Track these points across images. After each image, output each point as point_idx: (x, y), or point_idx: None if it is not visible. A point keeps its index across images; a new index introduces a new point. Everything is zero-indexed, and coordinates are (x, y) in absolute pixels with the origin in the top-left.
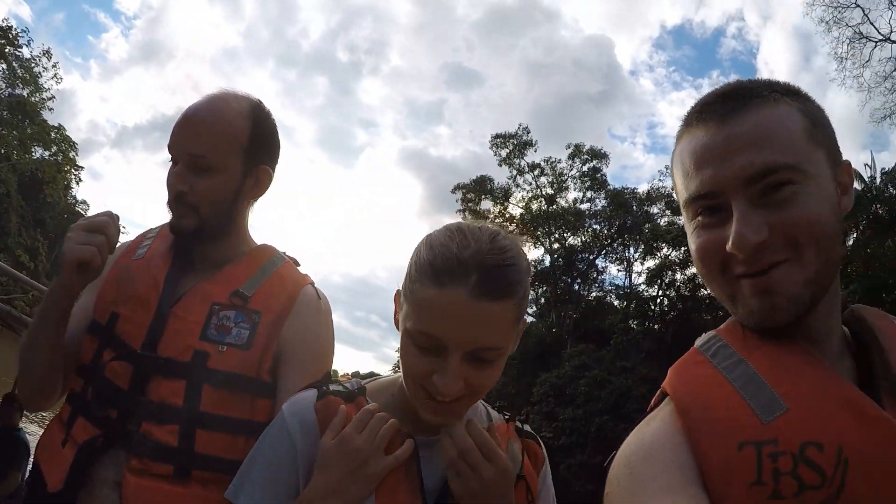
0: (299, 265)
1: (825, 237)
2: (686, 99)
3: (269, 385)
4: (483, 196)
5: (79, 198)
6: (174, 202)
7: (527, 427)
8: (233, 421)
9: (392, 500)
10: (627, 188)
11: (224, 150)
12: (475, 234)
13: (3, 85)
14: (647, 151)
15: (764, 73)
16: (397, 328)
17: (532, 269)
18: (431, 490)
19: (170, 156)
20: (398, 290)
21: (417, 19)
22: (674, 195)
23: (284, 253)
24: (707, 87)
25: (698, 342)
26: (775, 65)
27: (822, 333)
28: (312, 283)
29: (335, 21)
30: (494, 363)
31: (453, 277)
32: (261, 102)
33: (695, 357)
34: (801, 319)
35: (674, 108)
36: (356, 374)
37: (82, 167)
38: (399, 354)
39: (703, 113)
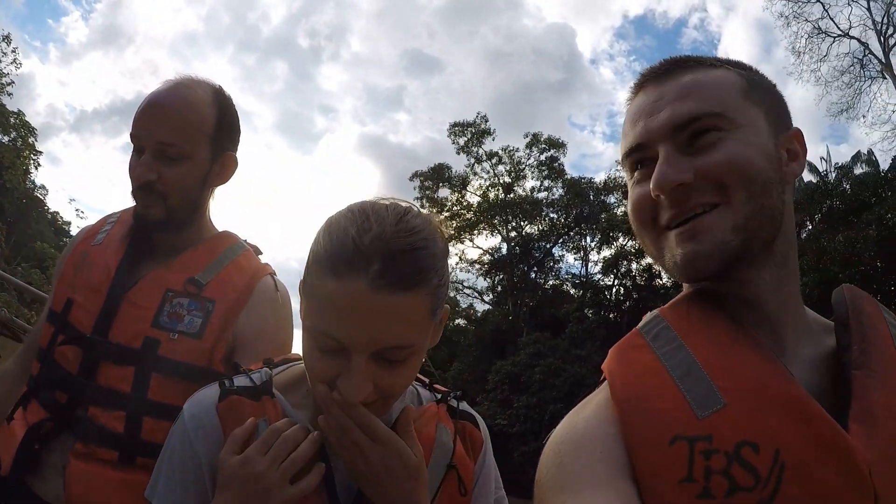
0: (261, 254)
1: (754, 182)
2: None
3: (222, 376)
4: (441, 184)
5: (37, 183)
6: (141, 191)
7: (463, 405)
8: (181, 410)
9: None
10: (584, 178)
11: (192, 138)
12: (379, 215)
13: None
14: (605, 140)
15: None
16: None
17: (489, 256)
18: (345, 490)
19: (131, 143)
20: (301, 281)
21: (379, 5)
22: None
23: (246, 241)
24: None
25: (641, 322)
26: (736, 56)
27: (773, 309)
28: (273, 274)
29: (296, 6)
30: (407, 362)
31: (352, 267)
32: (222, 88)
33: (635, 340)
34: (734, 274)
35: None
36: (267, 362)
37: (41, 152)
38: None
39: (642, 79)
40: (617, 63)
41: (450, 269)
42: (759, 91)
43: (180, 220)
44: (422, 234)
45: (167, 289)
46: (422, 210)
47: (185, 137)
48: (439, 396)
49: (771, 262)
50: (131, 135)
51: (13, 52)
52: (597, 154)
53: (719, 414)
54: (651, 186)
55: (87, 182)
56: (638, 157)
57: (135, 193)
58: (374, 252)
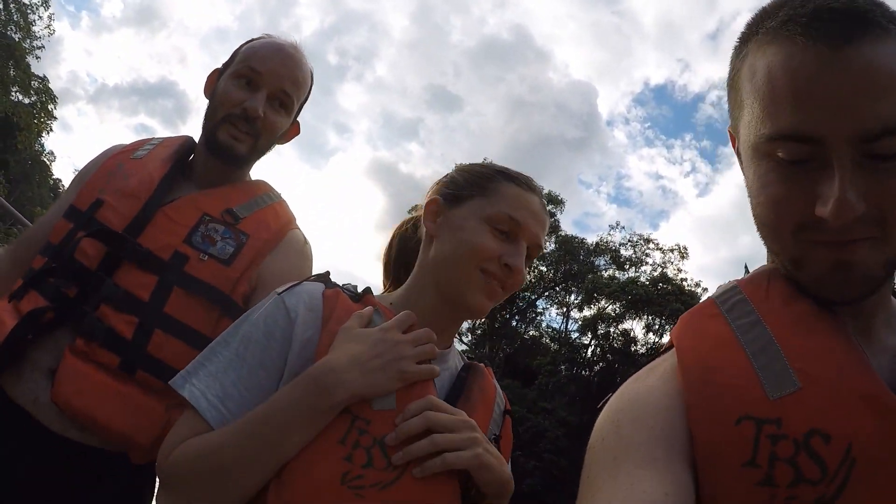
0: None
1: None
2: (655, 157)
3: (240, 309)
4: None
5: (46, 147)
6: (239, 121)
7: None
8: (193, 332)
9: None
10: (577, 237)
11: (298, 97)
12: None
13: None
14: (609, 201)
15: None
16: (433, 231)
17: None
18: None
19: (240, 72)
20: (435, 198)
21: (412, 36)
22: (622, 250)
23: (281, 194)
24: (678, 148)
25: (716, 292)
26: None
27: (867, 300)
28: (301, 230)
29: (329, 22)
30: (526, 268)
31: (531, 188)
32: None
33: (709, 309)
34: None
35: (642, 163)
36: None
37: (56, 118)
38: (454, 244)
39: (804, 24)
40: (631, 128)
41: None
42: None
43: (248, 162)
44: None
45: (204, 213)
46: None
47: (297, 94)
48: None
49: None
50: (249, 66)
51: (49, 17)
52: (599, 214)
53: (792, 397)
54: (828, 213)
55: (93, 156)
56: (799, 150)
57: (227, 119)
58: (539, 190)
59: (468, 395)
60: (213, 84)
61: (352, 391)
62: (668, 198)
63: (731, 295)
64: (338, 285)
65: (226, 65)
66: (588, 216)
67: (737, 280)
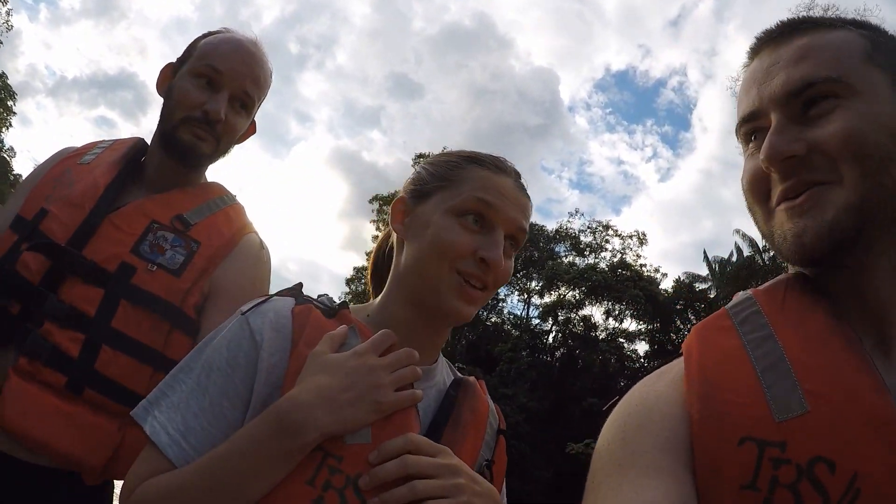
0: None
1: (870, 157)
2: (617, 142)
3: (191, 321)
4: None
5: (6, 143)
6: (201, 123)
7: None
8: (143, 347)
9: (389, 435)
10: (537, 224)
11: (259, 98)
12: None
13: None
14: (571, 187)
15: (697, 130)
16: (402, 233)
17: None
18: (422, 422)
19: (201, 71)
20: (401, 197)
21: (373, 24)
22: (581, 237)
23: (235, 196)
24: (640, 133)
25: (731, 302)
26: (709, 122)
27: (884, 301)
28: (257, 234)
29: (290, 11)
30: (512, 258)
31: (501, 169)
32: None
33: (721, 321)
34: (848, 261)
35: (604, 148)
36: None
37: (15, 113)
38: (421, 244)
39: (758, 43)
40: (593, 113)
41: None
42: (884, 53)
43: (207, 163)
44: None
45: (153, 220)
46: None
47: (258, 95)
48: (469, 375)
49: (891, 247)
50: (209, 65)
51: (7, 13)
52: (562, 199)
53: (799, 420)
54: (760, 158)
55: (54, 149)
56: (751, 127)
57: (188, 121)
58: (512, 170)
59: (457, 420)
60: (168, 80)
61: (321, 430)
62: (630, 183)
63: (745, 306)
64: (311, 300)
65: (181, 60)
66: (551, 202)
67: (752, 289)
